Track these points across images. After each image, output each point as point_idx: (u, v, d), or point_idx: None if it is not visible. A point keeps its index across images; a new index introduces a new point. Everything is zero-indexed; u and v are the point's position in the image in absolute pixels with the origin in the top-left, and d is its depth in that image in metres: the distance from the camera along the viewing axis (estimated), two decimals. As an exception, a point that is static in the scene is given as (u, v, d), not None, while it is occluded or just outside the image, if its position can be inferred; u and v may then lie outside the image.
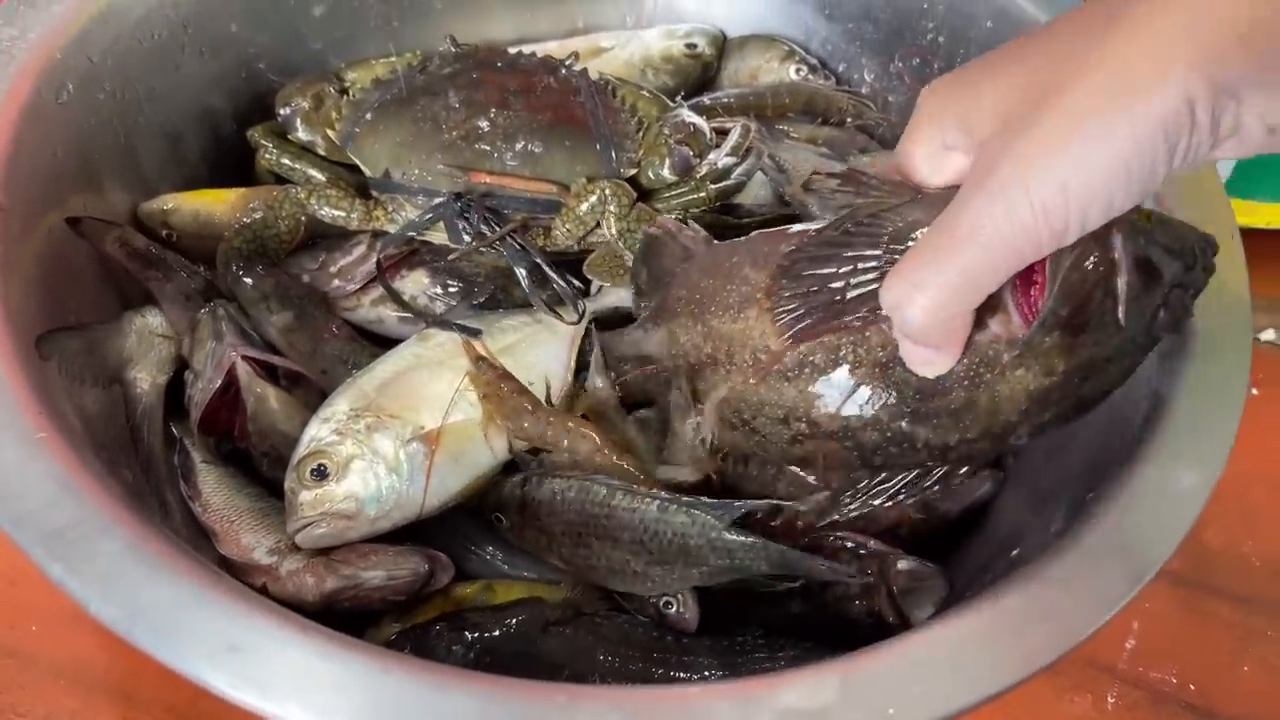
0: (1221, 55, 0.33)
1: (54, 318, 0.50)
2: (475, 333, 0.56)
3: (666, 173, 0.61)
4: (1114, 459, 0.46)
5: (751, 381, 0.47)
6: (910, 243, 0.42)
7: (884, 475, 0.51)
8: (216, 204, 0.61)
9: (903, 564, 0.49)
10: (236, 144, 0.65)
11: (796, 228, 0.47)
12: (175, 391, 0.57)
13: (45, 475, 0.40)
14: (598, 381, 0.55)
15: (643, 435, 0.55)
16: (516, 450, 0.53)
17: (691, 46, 0.73)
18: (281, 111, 0.63)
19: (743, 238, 0.50)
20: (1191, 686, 0.58)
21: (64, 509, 0.40)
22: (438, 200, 0.57)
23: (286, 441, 0.53)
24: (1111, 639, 0.59)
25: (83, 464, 0.42)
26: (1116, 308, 0.42)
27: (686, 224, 0.54)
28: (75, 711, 0.54)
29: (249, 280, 0.57)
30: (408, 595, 0.50)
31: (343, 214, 0.59)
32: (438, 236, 0.59)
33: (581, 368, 0.57)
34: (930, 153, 0.43)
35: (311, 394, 0.56)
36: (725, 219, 0.60)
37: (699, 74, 0.73)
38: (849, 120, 0.70)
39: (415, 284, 0.60)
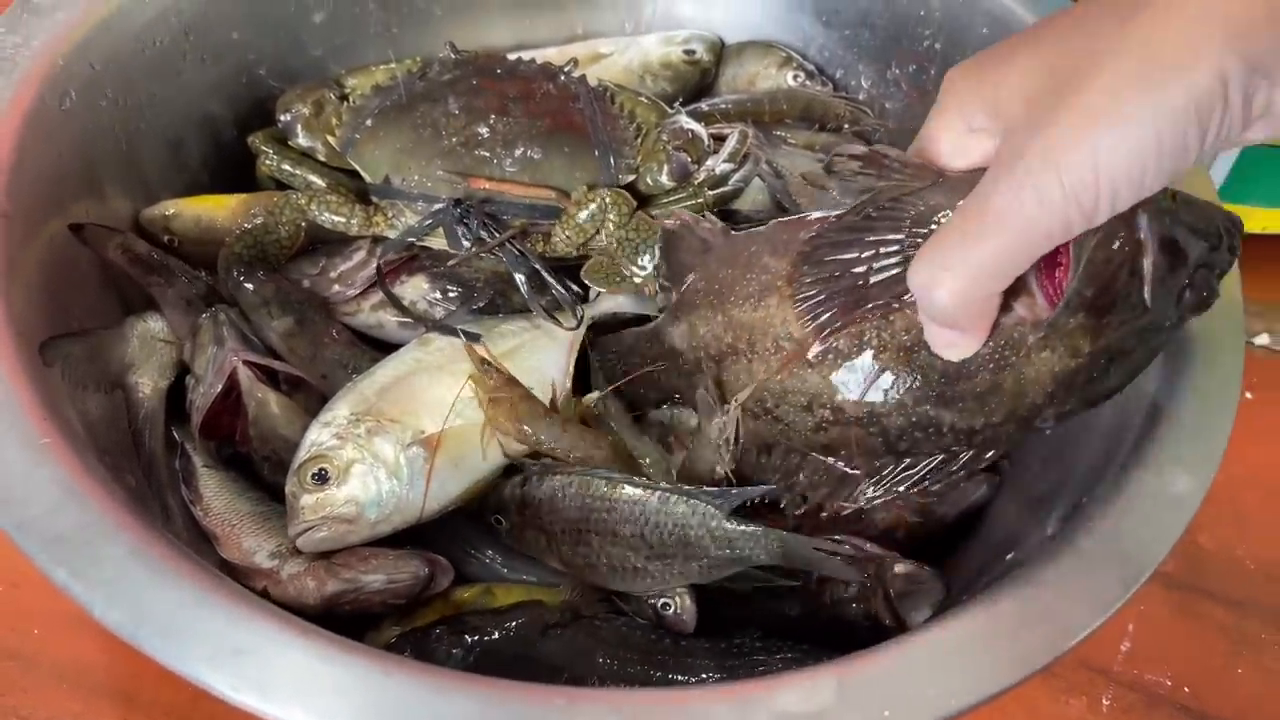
0: (1254, 32, 0.32)
1: (57, 323, 0.50)
2: (475, 338, 0.56)
3: (665, 179, 0.61)
4: (1108, 463, 0.46)
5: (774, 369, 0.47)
6: (934, 226, 0.42)
7: (908, 461, 0.49)
8: (218, 210, 0.61)
9: (900, 567, 0.50)
10: (237, 150, 0.65)
11: (817, 214, 0.47)
12: (177, 396, 0.58)
13: (49, 481, 0.41)
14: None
15: (647, 439, 0.56)
16: (517, 454, 0.53)
17: (690, 53, 0.73)
18: (282, 118, 0.63)
19: (760, 227, 0.49)
20: (1186, 689, 0.58)
21: (68, 514, 0.40)
22: (437, 206, 0.58)
23: (287, 446, 0.53)
24: (1106, 641, 0.59)
25: (86, 469, 0.42)
26: (1142, 288, 0.41)
27: (704, 215, 0.54)
28: (77, 714, 0.54)
29: (250, 285, 0.58)
30: (408, 598, 0.50)
31: (343, 220, 0.60)
32: (437, 242, 0.59)
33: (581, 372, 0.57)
34: (955, 135, 0.43)
35: (312, 399, 0.56)
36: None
37: (697, 80, 0.73)
38: (846, 126, 0.70)
39: (415, 289, 0.61)
